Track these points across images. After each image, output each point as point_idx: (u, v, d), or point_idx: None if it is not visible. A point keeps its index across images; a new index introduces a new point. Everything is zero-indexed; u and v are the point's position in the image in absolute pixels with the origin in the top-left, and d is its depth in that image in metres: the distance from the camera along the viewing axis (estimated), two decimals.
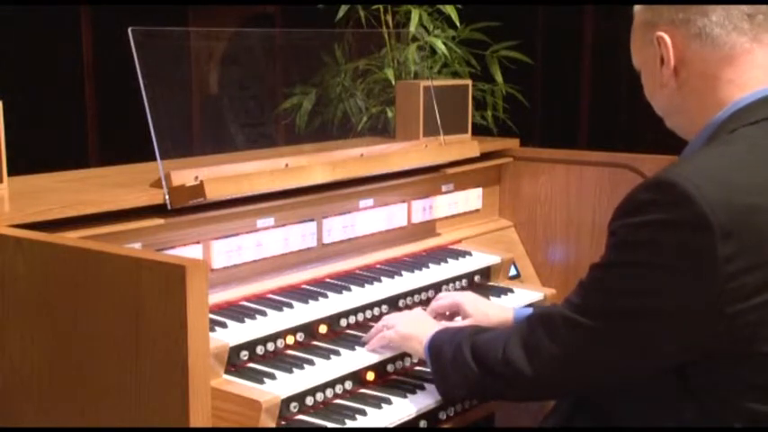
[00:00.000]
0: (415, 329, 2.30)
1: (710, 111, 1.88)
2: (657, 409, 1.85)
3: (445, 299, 2.54)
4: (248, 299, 2.43)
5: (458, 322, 2.47)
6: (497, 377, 2.00)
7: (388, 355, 2.35)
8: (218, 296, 2.37)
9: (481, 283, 2.94)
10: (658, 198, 1.72)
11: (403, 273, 2.74)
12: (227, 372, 2.15)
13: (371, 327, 2.41)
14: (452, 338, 2.14)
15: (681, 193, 1.69)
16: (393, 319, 2.38)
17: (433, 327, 2.30)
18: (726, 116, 1.85)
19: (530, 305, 2.86)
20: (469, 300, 2.50)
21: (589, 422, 2.01)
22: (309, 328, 2.38)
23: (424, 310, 2.52)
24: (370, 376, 2.32)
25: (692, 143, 1.93)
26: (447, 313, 2.53)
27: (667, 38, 1.89)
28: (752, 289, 1.69)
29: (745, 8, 1.86)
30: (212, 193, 2.28)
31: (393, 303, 2.62)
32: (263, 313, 2.34)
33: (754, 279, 1.69)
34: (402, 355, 2.39)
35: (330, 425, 2.09)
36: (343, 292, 2.54)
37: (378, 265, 2.79)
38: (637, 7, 2.00)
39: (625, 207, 1.79)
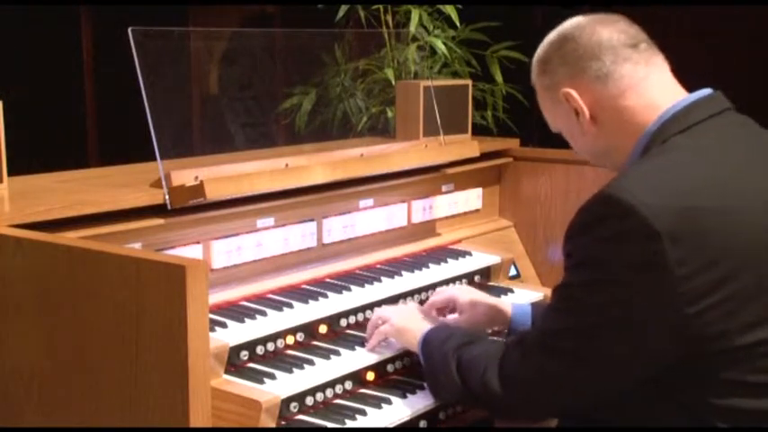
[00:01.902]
0: (410, 323, 2.30)
1: (636, 135, 1.95)
2: (637, 413, 1.86)
3: (441, 294, 2.54)
4: (248, 299, 2.43)
5: (455, 317, 2.47)
6: (476, 396, 2.02)
7: (388, 355, 2.35)
8: (218, 296, 2.37)
9: (481, 283, 2.94)
10: (602, 214, 1.78)
11: (403, 273, 2.74)
12: (227, 372, 2.15)
13: None
14: (442, 345, 2.14)
15: (623, 205, 1.74)
16: (387, 312, 2.37)
17: (428, 321, 2.31)
18: (655, 128, 1.93)
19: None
20: (465, 295, 2.50)
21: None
22: (309, 328, 2.38)
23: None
24: (370, 376, 2.32)
25: (629, 161, 1.97)
26: (448, 309, 2.52)
27: (572, 92, 1.99)
28: (708, 287, 1.73)
29: (626, 41, 1.97)
30: (212, 193, 2.28)
31: (393, 303, 2.61)
32: (263, 313, 2.34)
33: (709, 277, 1.73)
34: (402, 356, 2.38)
35: (330, 425, 2.09)
36: (343, 292, 2.54)
37: (378, 265, 2.78)
38: (533, 77, 2.11)
39: (573, 227, 1.85)
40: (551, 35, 2.07)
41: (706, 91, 1.97)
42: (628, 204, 1.73)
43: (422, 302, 2.66)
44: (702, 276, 1.72)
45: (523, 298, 2.86)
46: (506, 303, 2.49)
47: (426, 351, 2.19)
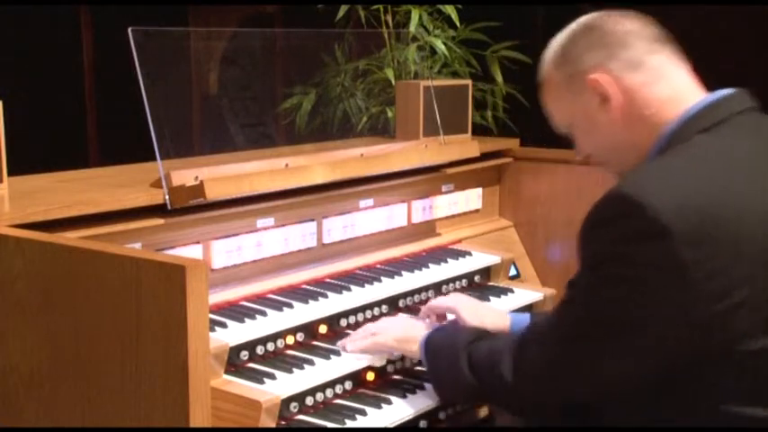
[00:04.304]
0: (410, 331, 2.29)
1: (656, 132, 1.91)
2: (642, 417, 1.86)
3: (443, 301, 2.50)
4: (248, 299, 2.43)
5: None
6: (489, 390, 2.02)
7: (385, 356, 2.34)
8: (218, 296, 2.37)
9: (481, 283, 2.94)
10: (614, 212, 1.75)
11: (403, 273, 2.74)
12: (227, 372, 2.15)
13: None
14: (452, 344, 2.13)
15: (634, 204, 1.71)
16: (381, 324, 2.36)
17: (425, 327, 2.30)
18: (677, 126, 1.88)
19: (530, 305, 2.86)
20: (466, 305, 2.44)
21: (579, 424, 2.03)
22: (309, 328, 2.38)
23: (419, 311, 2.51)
24: (370, 376, 2.32)
25: (647, 159, 1.93)
26: (445, 316, 2.51)
27: (604, 76, 1.93)
28: (720, 291, 1.70)
29: (653, 35, 1.95)
30: (212, 193, 2.28)
31: (393, 303, 2.62)
32: (263, 313, 2.34)
33: (721, 281, 1.70)
34: (402, 356, 2.38)
35: (330, 425, 2.09)
36: (343, 292, 2.54)
37: (378, 265, 2.79)
38: (548, 69, 2.03)
39: (586, 224, 1.82)
40: (570, 27, 2.02)
41: (729, 89, 1.92)
42: (639, 203, 1.70)
43: (422, 303, 2.65)
44: (713, 280, 1.69)
45: (523, 298, 2.87)
46: (505, 314, 2.45)
47: (430, 351, 2.18)
